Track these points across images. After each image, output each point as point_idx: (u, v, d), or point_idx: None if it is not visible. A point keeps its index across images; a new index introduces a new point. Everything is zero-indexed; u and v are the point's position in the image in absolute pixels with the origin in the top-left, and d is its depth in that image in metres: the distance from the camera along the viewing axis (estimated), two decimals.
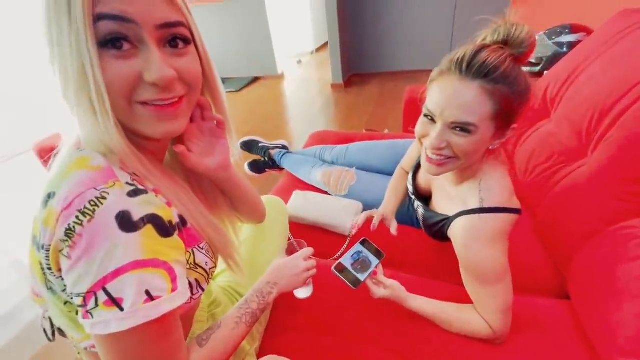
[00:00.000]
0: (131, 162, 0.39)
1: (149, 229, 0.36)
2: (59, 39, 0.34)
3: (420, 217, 0.84)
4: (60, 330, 0.48)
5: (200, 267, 0.45)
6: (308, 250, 0.69)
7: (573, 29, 1.23)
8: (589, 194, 0.72)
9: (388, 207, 0.89)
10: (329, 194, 1.12)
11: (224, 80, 4.15)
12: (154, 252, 0.36)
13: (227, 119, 0.52)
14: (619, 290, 0.55)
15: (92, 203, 0.33)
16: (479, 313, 0.64)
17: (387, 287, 0.67)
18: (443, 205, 0.75)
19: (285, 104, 3.38)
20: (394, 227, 0.83)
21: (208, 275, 0.47)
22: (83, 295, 0.34)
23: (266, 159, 1.51)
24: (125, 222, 0.34)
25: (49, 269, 0.37)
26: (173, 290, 0.37)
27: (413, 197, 0.87)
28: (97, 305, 0.33)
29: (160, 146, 0.47)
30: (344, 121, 2.74)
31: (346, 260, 0.69)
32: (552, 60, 1.20)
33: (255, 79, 4.15)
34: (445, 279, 0.82)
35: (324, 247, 0.94)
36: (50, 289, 0.40)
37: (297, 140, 2.48)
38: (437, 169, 0.62)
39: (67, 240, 0.33)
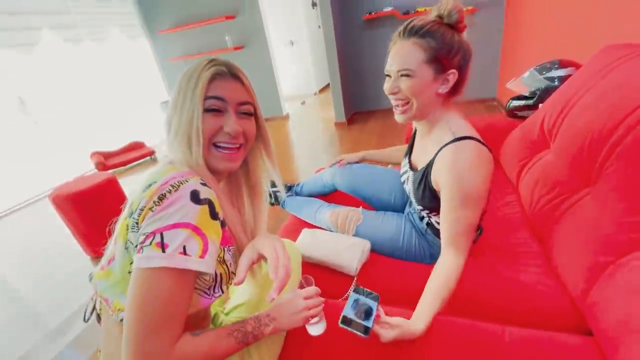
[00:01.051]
0: (204, 175, 0.58)
1: (205, 208, 0.52)
2: (182, 103, 0.58)
3: (410, 187, 0.92)
4: (98, 316, 0.64)
5: (226, 264, 0.59)
6: (311, 290, 0.68)
7: (562, 63, 1.29)
8: (595, 225, 0.72)
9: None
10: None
11: None
12: (202, 224, 0.51)
13: (273, 155, 0.75)
14: (637, 325, 0.53)
15: (179, 182, 0.51)
16: (445, 242, 0.76)
17: (394, 326, 0.66)
18: (423, 160, 0.87)
19: (291, 143, 3.49)
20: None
21: (229, 276, 0.60)
22: (147, 233, 0.48)
23: (272, 202, 1.53)
24: (195, 197, 0.51)
25: (136, 224, 0.51)
26: (201, 257, 0.50)
27: (406, 173, 0.97)
28: (150, 243, 0.48)
29: (219, 176, 0.66)
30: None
31: (348, 312, 0.67)
32: (545, 93, 1.25)
33: None
34: (459, 311, 0.79)
35: (331, 286, 0.93)
36: (126, 248, 0.53)
37: (304, 177, 2.52)
38: (402, 116, 0.82)
39: (158, 201, 0.49)
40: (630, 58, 0.91)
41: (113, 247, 0.57)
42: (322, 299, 0.68)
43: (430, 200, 0.84)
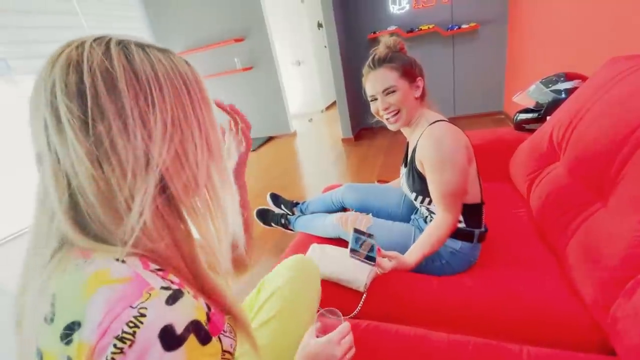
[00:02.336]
0: (157, 247, 0.37)
1: (192, 340, 0.33)
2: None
3: (404, 183, 1.10)
4: None
5: (228, 352, 0.42)
6: (344, 328, 0.57)
7: (568, 76, 1.29)
8: (612, 238, 0.70)
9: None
10: (347, 244, 1.11)
11: None
12: None
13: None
14: None
15: (131, 325, 0.30)
16: (437, 206, 0.92)
17: (391, 258, 0.87)
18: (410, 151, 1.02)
19: (298, 160, 3.52)
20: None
21: (232, 355, 0.44)
22: None
23: (284, 225, 1.53)
24: (170, 339, 0.31)
25: None
26: None
27: (403, 177, 1.11)
28: None
29: None
30: (356, 172, 2.81)
31: (356, 247, 0.81)
32: (552, 106, 1.25)
33: (270, 138, 4.38)
34: (466, 329, 0.76)
35: (340, 302, 0.91)
36: None
37: (311, 195, 2.52)
38: (395, 124, 1.00)
39: None
40: (637, 70, 0.91)
41: None
42: (352, 339, 0.58)
43: (419, 183, 0.97)
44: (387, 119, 0.99)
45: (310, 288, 0.77)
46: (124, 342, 0.29)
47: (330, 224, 1.18)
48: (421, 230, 1.03)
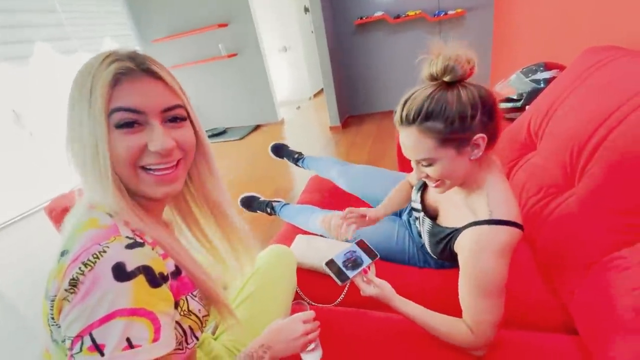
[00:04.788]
0: (132, 220, 0.45)
1: (140, 279, 0.39)
2: (80, 123, 0.43)
3: (426, 235, 0.86)
4: None
5: (194, 314, 0.49)
6: (310, 314, 0.66)
7: (547, 66, 1.31)
8: (581, 225, 0.74)
9: (376, 212, 0.95)
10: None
11: (227, 129, 4.34)
12: (142, 301, 0.38)
13: (218, 173, 0.61)
14: (623, 324, 0.55)
15: (94, 256, 0.38)
16: (466, 323, 0.67)
17: (376, 286, 0.71)
18: (451, 219, 0.78)
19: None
20: (369, 222, 0.91)
21: (201, 322, 0.51)
22: (72, 338, 0.36)
23: (269, 212, 1.54)
24: (120, 272, 0.38)
25: (52, 318, 0.40)
26: (154, 340, 0.38)
27: (420, 214, 0.89)
28: (80, 350, 0.36)
29: (160, 204, 0.54)
30: (344, 159, 2.82)
31: (338, 258, 0.72)
32: (532, 95, 1.27)
33: (257, 127, 4.33)
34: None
35: (324, 293, 0.94)
36: (54, 340, 0.42)
37: (300, 182, 2.53)
38: (440, 189, 0.72)
39: (71, 289, 0.37)
40: (612, 60, 0.94)
41: (44, 332, 0.45)
42: (318, 323, 0.67)
43: (450, 258, 0.79)
44: (428, 183, 0.74)
45: (284, 272, 0.84)
46: (86, 267, 0.38)
47: (315, 226, 1.19)
48: (412, 236, 1.02)
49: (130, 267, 0.39)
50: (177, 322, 0.46)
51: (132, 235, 0.43)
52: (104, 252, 0.39)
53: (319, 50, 3.29)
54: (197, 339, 0.50)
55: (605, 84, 0.89)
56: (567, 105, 0.97)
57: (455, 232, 0.73)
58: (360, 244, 0.78)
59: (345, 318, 0.85)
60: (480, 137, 0.62)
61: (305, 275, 1.01)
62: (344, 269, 0.71)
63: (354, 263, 0.73)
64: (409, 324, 0.72)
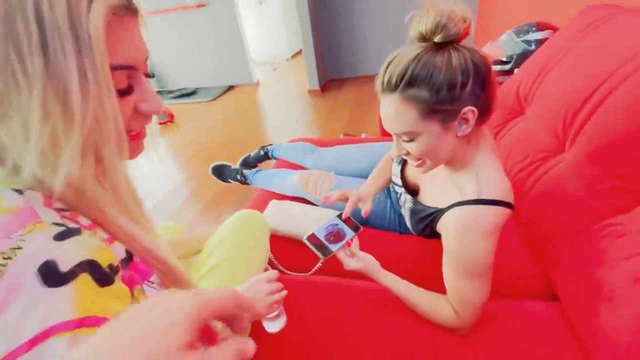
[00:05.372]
0: (88, 199, 0.35)
1: (84, 279, 0.29)
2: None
3: (407, 212, 0.80)
4: None
5: None
6: (273, 273, 0.62)
7: (539, 26, 1.24)
8: (570, 191, 0.70)
9: (368, 189, 0.87)
10: (308, 203, 1.07)
11: (197, 90, 4.04)
12: (89, 307, 0.29)
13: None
14: (611, 293, 0.53)
15: (5, 256, 0.27)
16: (450, 303, 0.64)
17: (359, 259, 0.68)
18: (434, 197, 0.72)
19: (262, 112, 3.32)
20: (366, 208, 0.81)
21: None
22: None
23: (240, 180, 1.44)
24: (51, 275, 0.28)
25: None
26: None
27: (401, 190, 0.84)
28: None
29: None
30: (323, 125, 2.71)
31: (320, 232, 0.69)
32: (522, 57, 1.21)
33: (230, 88, 4.07)
34: (431, 288, 0.77)
35: (300, 261, 0.88)
36: None
37: None
38: (420, 169, 0.65)
39: None
40: (610, 19, 0.88)
41: None
42: (282, 285, 0.62)
43: (431, 236, 0.75)
44: (409, 160, 0.67)
45: (255, 239, 0.77)
46: None
47: (291, 184, 1.12)
48: (393, 204, 0.97)
49: (65, 265, 0.29)
50: None
51: (59, 219, 0.32)
52: (19, 248, 0.28)
53: (298, 6, 3.03)
54: None
55: (603, 44, 0.83)
56: (562, 67, 0.92)
57: (438, 213, 0.68)
58: (340, 216, 0.74)
59: (323, 288, 0.80)
60: (469, 111, 0.54)
61: (279, 242, 0.95)
62: (326, 242, 0.67)
63: (337, 236, 0.69)
64: (392, 294, 0.68)
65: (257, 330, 0.63)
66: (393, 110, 0.56)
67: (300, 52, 5.27)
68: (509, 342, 0.63)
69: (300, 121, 2.89)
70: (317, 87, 3.42)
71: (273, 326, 0.63)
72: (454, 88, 0.52)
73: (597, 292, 0.56)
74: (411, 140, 0.58)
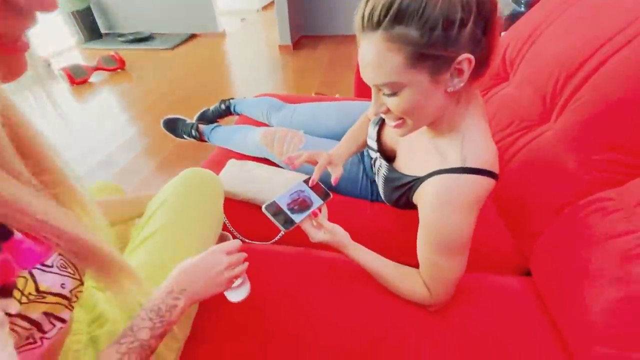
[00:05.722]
0: None
1: None
2: None
3: (381, 180, 0.72)
4: None
5: (51, 293, 0.31)
6: (234, 244, 0.53)
7: None
8: (556, 163, 0.66)
9: (340, 151, 0.78)
10: (273, 164, 0.95)
11: (154, 35, 3.60)
12: None
13: None
14: (596, 272, 0.49)
15: None
16: (422, 278, 0.60)
17: (327, 230, 0.61)
18: (412, 164, 0.64)
19: (227, 66, 3.03)
20: (336, 173, 0.73)
21: (69, 300, 0.33)
22: None
23: (196, 136, 1.27)
24: None
25: None
26: None
27: (376, 155, 0.75)
28: None
29: None
30: (292, 85, 2.53)
31: (282, 199, 0.59)
32: (511, 19, 1.12)
33: (192, 36, 3.66)
34: (403, 260, 0.72)
35: (261, 229, 0.79)
36: None
37: None
38: (399, 131, 0.56)
39: None
40: None
41: None
42: (245, 255, 0.53)
43: (406, 207, 0.68)
44: (386, 120, 0.57)
45: (205, 201, 0.65)
46: None
47: (253, 142, 0.99)
48: (366, 169, 0.87)
49: None
50: (18, 316, 0.28)
51: None
52: None
53: None
54: (63, 321, 0.33)
55: (603, 4, 0.76)
56: (556, 28, 0.84)
57: (415, 182, 0.61)
58: (307, 181, 0.64)
59: (285, 258, 0.72)
60: (466, 59, 0.44)
61: (237, 207, 0.84)
62: (289, 212, 0.58)
63: (302, 204, 0.60)
64: (360, 267, 0.61)
65: (216, 299, 0.54)
66: (374, 54, 0.46)
67: (272, 4, 4.84)
68: (480, 317, 0.60)
69: (269, 79, 2.67)
70: (288, 42, 3.16)
71: (235, 295, 0.56)
72: (451, 27, 0.42)
73: (576, 270, 0.52)
74: (393, 94, 0.48)
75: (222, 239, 0.63)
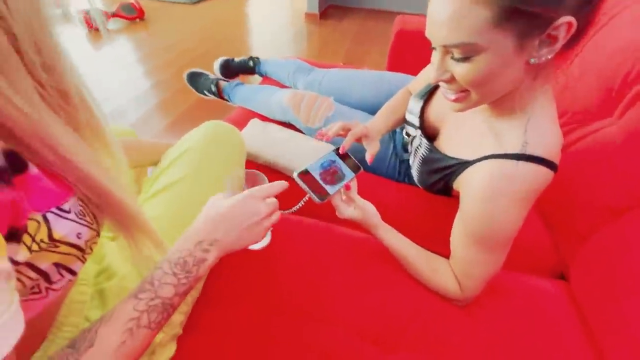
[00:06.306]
0: None
1: None
2: None
3: (417, 160, 0.66)
4: None
5: (65, 243, 0.27)
6: (274, 186, 0.44)
7: None
8: (618, 162, 0.59)
9: (377, 124, 0.72)
10: (296, 130, 0.89)
11: None
12: None
13: None
14: None
15: None
16: (453, 271, 0.55)
17: (358, 207, 0.55)
18: (458, 145, 0.57)
19: (249, 28, 2.90)
20: (373, 149, 0.67)
21: (83, 251, 0.29)
22: None
23: (215, 93, 1.19)
24: None
25: None
26: None
27: (416, 132, 0.68)
28: None
29: None
30: (316, 55, 2.41)
31: (314, 168, 0.54)
32: None
33: None
34: (434, 248, 0.67)
35: (281, 196, 0.73)
36: None
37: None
38: (458, 105, 0.49)
39: None
40: None
41: None
42: (277, 201, 0.45)
43: (442, 192, 0.62)
44: (444, 94, 0.50)
45: (228, 154, 0.59)
46: None
47: (278, 104, 0.91)
48: (397, 149, 0.80)
49: None
50: (26, 264, 0.24)
51: None
52: None
53: None
54: (73, 273, 0.29)
55: None
56: (633, 13, 0.74)
57: (460, 165, 0.54)
58: (338, 153, 0.59)
59: (305, 230, 0.67)
60: (566, 22, 0.36)
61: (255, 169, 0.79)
62: (322, 182, 0.53)
63: (333, 176, 0.55)
64: (369, 242, 0.57)
65: (229, 258, 0.49)
66: (454, 7, 0.37)
67: None
68: (510, 317, 0.56)
69: (291, 46, 2.55)
70: (315, 11, 3.00)
71: (258, 243, 0.52)
72: None
73: (628, 281, 0.47)
74: (465, 58, 0.40)
75: (252, 179, 0.57)
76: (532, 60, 0.40)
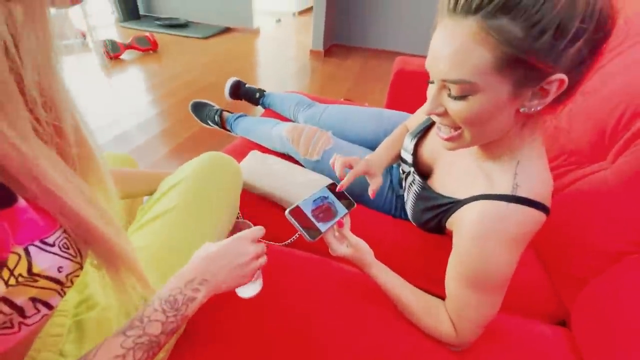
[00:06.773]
0: None
1: None
2: None
3: (411, 197, 0.65)
4: None
5: (44, 276, 0.26)
6: (258, 230, 0.47)
7: None
8: (613, 206, 0.58)
9: (378, 159, 0.72)
10: (295, 162, 0.90)
11: (190, 23, 3.65)
12: None
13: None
14: None
15: None
16: (448, 314, 0.53)
17: (351, 244, 0.54)
18: (451, 184, 0.58)
19: (256, 62, 3.04)
20: (375, 184, 0.66)
21: (63, 285, 0.28)
22: None
23: (217, 123, 1.23)
24: None
25: None
26: None
27: (409, 169, 0.68)
28: None
29: None
30: (319, 91, 2.50)
31: (306, 205, 0.53)
32: None
33: (227, 30, 3.69)
34: (421, 288, 0.65)
35: (275, 228, 0.73)
36: None
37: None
38: (450, 144, 0.49)
39: None
40: None
41: None
42: (264, 245, 0.47)
43: (435, 231, 0.62)
44: (437, 131, 0.51)
45: (223, 186, 0.60)
46: None
47: (278, 136, 0.94)
48: (393, 185, 0.82)
49: None
50: (0, 299, 0.24)
51: None
52: None
53: None
54: (49, 307, 0.28)
55: None
56: (625, 61, 0.78)
57: (453, 204, 0.54)
58: (333, 187, 0.59)
59: (298, 263, 0.66)
60: (559, 80, 0.37)
61: (254, 202, 0.79)
62: (314, 220, 0.52)
63: (326, 212, 0.54)
64: (361, 277, 0.55)
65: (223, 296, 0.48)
66: (458, 44, 0.38)
67: (308, 10, 4.88)
68: None
69: (297, 81, 2.66)
70: (320, 48, 3.16)
71: (248, 290, 0.50)
72: (562, 37, 0.35)
73: (630, 329, 0.45)
74: (462, 97, 0.41)
75: (238, 227, 0.57)
76: (522, 109, 0.42)
